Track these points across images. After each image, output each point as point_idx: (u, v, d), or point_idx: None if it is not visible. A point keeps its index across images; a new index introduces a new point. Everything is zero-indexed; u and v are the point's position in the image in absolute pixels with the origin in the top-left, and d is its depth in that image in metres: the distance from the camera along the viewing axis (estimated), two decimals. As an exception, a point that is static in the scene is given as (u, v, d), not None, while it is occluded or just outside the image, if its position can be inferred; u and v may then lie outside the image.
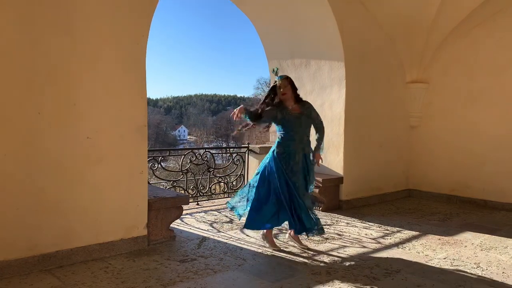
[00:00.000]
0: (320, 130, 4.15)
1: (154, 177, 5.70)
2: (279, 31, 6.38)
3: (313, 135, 4.14)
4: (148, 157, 4.91)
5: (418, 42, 6.47)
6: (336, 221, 5.25)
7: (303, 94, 6.35)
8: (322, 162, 4.17)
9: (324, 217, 5.39)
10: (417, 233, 4.73)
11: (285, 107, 4.03)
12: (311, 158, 4.11)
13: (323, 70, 6.10)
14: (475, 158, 6.39)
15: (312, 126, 4.14)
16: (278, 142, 4.05)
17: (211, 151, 6.55)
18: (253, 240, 4.28)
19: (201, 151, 6.31)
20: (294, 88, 4.08)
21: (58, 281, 3.15)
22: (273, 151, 4.05)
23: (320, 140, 4.13)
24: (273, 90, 4.07)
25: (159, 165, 5.58)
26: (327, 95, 6.07)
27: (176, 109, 75.09)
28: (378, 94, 6.40)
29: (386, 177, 6.67)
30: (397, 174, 6.92)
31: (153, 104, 68.84)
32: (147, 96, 4.01)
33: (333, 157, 6.02)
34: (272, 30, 6.46)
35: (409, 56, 6.71)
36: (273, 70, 4.30)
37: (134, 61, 3.83)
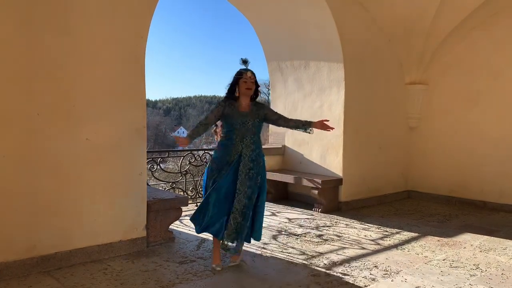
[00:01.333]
0: (287, 117, 3.67)
1: (153, 178, 5.70)
2: (278, 33, 6.39)
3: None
4: (147, 158, 4.91)
5: (417, 43, 6.48)
6: (335, 222, 5.25)
7: (302, 96, 6.42)
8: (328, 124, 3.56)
9: (323, 219, 5.40)
10: (416, 234, 4.73)
11: (235, 102, 3.51)
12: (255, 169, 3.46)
13: (322, 72, 6.11)
14: (474, 159, 6.40)
15: (263, 132, 3.56)
16: (218, 143, 3.58)
17: (210, 152, 6.54)
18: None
19: (200, 153, 6.31)
20: (257, 86, 3.56)
21: (57, 283, 3.14)
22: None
23: (297, 120, 3.64)
24: (237, 83, 3.51)
25: (158, 167, 5.58)
26: (326, 97, 6.07)
27: (176, 111, 74.97)
28: (377, 96, 6.41)
29: (385, 179, 6.67)
30: (396, 176, 6.92)
31: (152, 105, 68.80)
32: (146, 97, 4.01)
33: (332, 158, 6.02)
34: (271, 31, 6.47)
35: (408, 57, 6.71)
36: (243, 60, 3.56)
37: (133, 62, 3.84)
